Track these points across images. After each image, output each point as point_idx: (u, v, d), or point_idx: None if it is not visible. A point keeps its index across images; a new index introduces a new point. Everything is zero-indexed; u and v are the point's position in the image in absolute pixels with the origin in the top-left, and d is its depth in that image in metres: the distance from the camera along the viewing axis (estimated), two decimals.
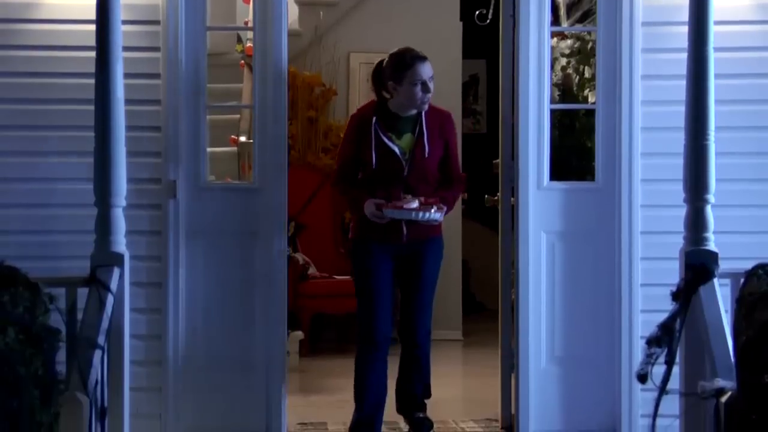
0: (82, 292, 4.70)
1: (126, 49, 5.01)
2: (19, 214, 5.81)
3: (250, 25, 6.76)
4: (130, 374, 4.91)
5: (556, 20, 7.10)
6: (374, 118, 5.76)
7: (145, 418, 5.68)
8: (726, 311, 4.61)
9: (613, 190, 5.99)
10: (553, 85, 6.83)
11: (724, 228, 5.11)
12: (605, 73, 6.03)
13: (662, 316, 4.58)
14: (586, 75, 7.23)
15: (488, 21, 8.37)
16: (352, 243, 5.92)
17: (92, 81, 4.90)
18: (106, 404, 4.57)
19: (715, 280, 4.71)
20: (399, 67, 5.73)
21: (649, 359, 4.45)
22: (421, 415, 5.93)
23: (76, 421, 4.15)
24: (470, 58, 10.63)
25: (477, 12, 8.46)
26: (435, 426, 5.98)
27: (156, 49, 5.87)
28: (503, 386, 6.33)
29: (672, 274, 4.93)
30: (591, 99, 6.89)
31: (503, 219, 6.40)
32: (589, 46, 7.11)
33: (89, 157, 4.95)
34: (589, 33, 7.08)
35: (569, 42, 7.48)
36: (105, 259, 4.81)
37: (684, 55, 4.92)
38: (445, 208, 5.73)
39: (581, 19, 7.34)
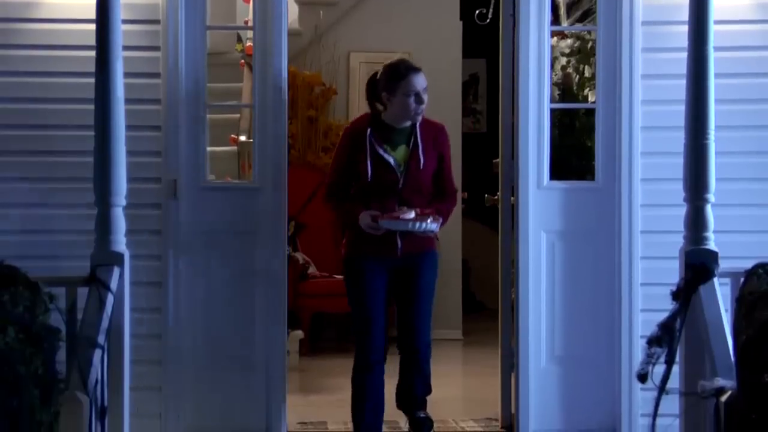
0: (82, 292, 4.70)
1: (126, 48, 5.01)
2: (19, 214, 5.81)
3: (250, 24, 6.75)
4: (130, 373, 4.91)
5: (556, 19, 7.10)
6: (369, 130, 5.72)
7: (145, 417, 5.68)
8: (726, 310, 4.61)
9: (613, 189, 5.99)
10: (553, 84, 6.83)
11: (724, 227, 5.11)
12: (605, 73, 6.03)
13: (662, 316, 4.58)
14: (586, 74, 7.23)
15: (488, 20, 8.37)
16: (345, 261, 5.79)
17: (92, 80, 4.90)
18: (106, 403, 4.57)
19: (715, 280, 4.71)
20: (393, 78, 5.70)
21: (650, 359, 4.45)
22: (422, 415, 5.90)
23: (76, 421, 4.14)
24: (470, 57, 10.63)
25: (477, 11, 8.46)
26: (435, 425, 5.96)
27: (156, 48, 5.87)
28: (503, 386, 6.33)
29: (672, 273, 4.93)
30: (591, 98, 6.89)
31: (503, 218, 6.40)
32: (589, 45, 7.11)
33: (89, 156, 4.95)
34: (589, 32, 7.07)
35: (569, 41, 7.48)
36: (105, 258, 4.81)
37: (684, 55, 4.92)
38: (441, 219, 5.67)
39: (581, 19, 7.34)
